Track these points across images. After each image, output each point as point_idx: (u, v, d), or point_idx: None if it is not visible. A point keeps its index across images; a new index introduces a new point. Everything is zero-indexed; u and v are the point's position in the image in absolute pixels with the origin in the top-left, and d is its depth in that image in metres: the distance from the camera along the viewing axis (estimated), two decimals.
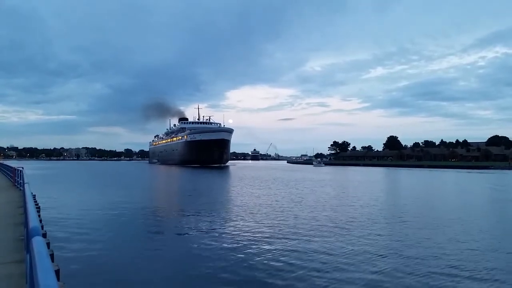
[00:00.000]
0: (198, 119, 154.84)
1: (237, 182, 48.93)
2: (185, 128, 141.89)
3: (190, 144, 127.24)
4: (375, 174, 76.57)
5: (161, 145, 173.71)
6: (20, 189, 16.04)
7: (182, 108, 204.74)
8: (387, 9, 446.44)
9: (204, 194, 33.54)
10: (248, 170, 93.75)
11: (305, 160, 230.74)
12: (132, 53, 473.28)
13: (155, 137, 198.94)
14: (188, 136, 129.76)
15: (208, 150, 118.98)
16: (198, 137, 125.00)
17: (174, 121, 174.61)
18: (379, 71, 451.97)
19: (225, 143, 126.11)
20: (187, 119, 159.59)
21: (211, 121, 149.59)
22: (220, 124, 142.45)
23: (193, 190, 38.02)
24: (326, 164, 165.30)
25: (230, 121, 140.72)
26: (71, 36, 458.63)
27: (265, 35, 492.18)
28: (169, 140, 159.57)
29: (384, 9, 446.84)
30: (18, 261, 5.91)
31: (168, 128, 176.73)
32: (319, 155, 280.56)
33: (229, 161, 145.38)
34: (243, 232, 16.43)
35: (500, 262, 12.12)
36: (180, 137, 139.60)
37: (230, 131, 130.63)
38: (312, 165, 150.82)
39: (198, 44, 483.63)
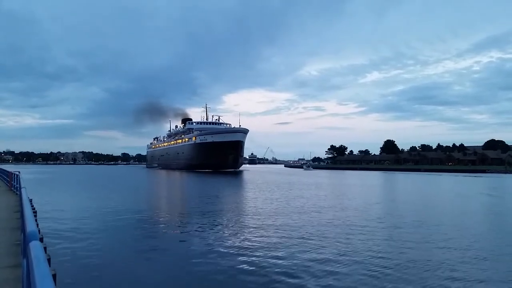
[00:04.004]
0: (206, 119, 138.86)
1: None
2: (192, 129, 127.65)
3: (200, 147, 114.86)
4: (371, 178, 76.62)
5: (161, 148, 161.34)
6: (17, 194, 15.97)
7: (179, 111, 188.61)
8: (385, 13, 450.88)
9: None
10: (255, 174, 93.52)
11: (301, 164, 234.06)
12: (130, 57, 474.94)
13: (154, 139, 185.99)
14: (197, 137, 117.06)
15: (221, 153, 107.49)
16: (209, 138, 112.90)
17: (176, 122, 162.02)
18: (375, 75, 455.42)
19: (241, 145, 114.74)
20: (191, 119, 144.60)
21: (220, 121, 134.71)
22: (230, 125, 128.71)
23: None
24: (321, 168, 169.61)
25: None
26: (69, 40, 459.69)
27: (262, 39, 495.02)
28: (172, 142, 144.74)
29: (381, 13, 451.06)
30: (14, 266, 5.87)
31: (170, 129, 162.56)
32: (316, 159, 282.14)
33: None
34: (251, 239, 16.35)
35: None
36: (187, 139, 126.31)
37: (245, 131, 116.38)
38: (302, 169, 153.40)
39: (196, 48, 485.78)
